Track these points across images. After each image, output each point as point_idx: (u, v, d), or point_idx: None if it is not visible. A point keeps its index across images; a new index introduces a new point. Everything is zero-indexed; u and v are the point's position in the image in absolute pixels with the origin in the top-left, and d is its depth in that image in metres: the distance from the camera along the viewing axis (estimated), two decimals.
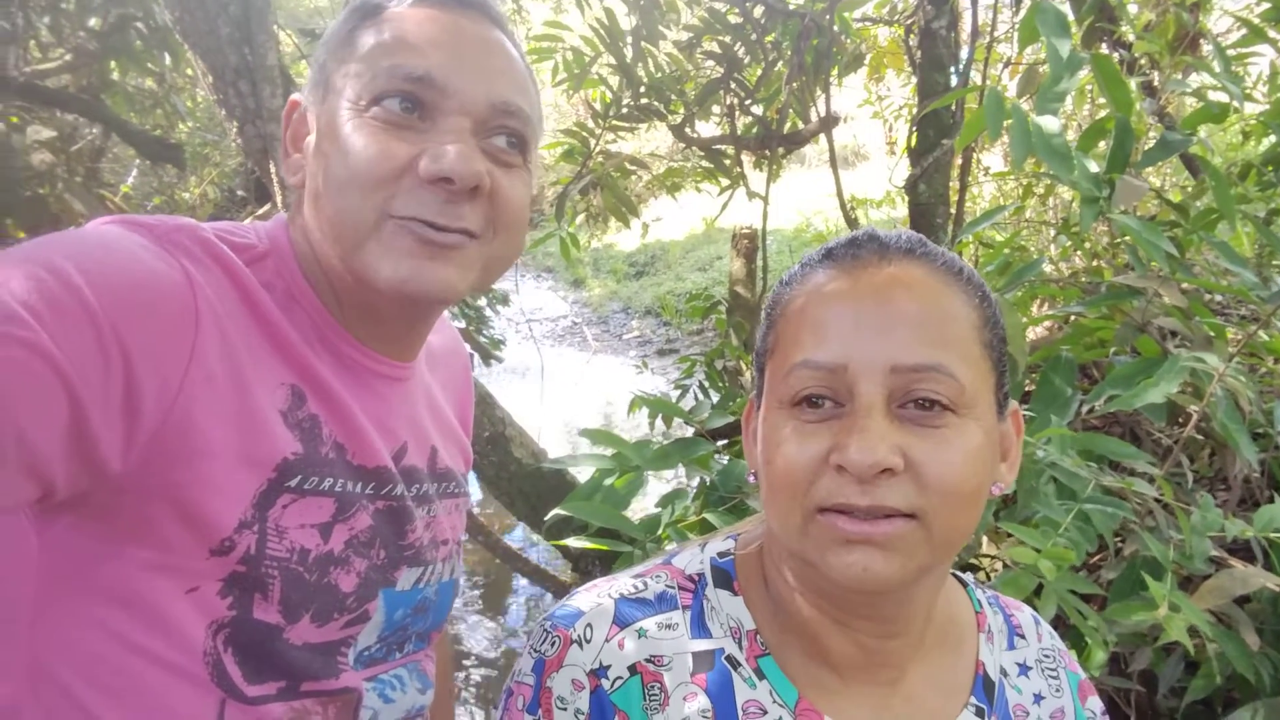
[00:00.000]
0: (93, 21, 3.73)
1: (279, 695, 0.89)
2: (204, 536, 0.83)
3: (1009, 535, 2.03)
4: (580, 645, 0.83)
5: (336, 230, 0.92)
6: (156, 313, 0.80)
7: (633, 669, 0.82)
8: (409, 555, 1.02)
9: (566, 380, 9.35)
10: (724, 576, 0.89)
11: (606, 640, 0.83)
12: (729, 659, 0.84)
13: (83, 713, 0.83)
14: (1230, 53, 2.63)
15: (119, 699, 0.83)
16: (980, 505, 0.77)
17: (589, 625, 0.84)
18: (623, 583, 0.89)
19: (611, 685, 0.81)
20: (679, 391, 3.57)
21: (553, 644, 0.84)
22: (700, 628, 0.85)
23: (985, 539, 2.12)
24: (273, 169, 2.15)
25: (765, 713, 0.81)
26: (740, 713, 0.81)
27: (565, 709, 0.81)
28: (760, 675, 0.83)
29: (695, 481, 2.31)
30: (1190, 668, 1.86)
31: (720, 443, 2.50)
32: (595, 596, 0.87)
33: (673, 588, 0.88)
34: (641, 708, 0.81)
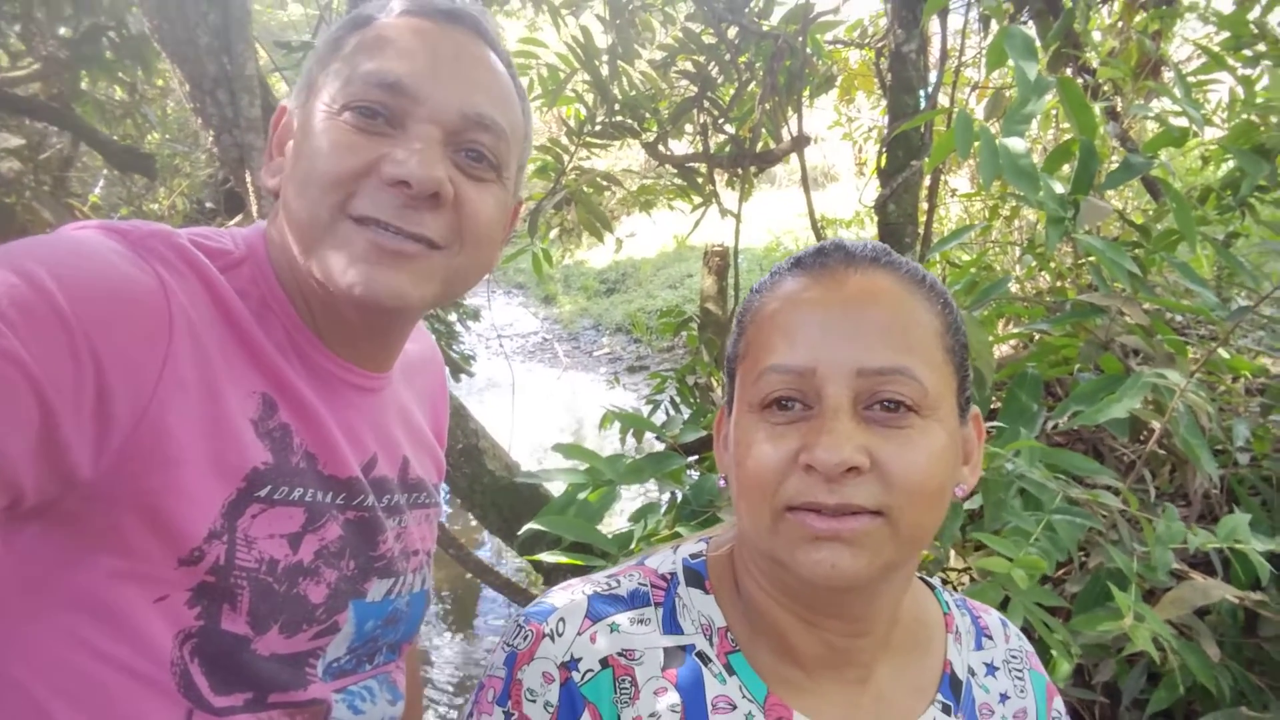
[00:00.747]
0: (63, 30, 3.70)
1: (246, 707, 0.89)
2: (173, 545, 0.82)
3: (977, 549, 2.06)
4: (552, 639, 0.84)
5: (297, 228, 0.92)
6: (130, 319, 0.79)
7: (604, 662, 0.83)
8: (380, 566, 1.02)
9: (537, 396, 9.33)
10: (695, 576, 0.91)
11: (578, 634, 0.84)
12: (700, 655, 0.85)
13: None
14: (1191, 80, 2.70)
15: (85, 707, 0.82)
16: (944, 504, 0.80)
17: (561, 620, 0.86)
18: (596, 581, 0.91)
19: (582, 678, 0.82)
20: (651, 407, 3.59)
21: (525, 638, 0.86)
22: (672, 624, 0.87)
23: (953, 553, 2.15)
24: (249, 178, 2.14)
25: (735, 708, 0.83)
26: (710, 708, 0.82)
27: (535, 701, 0.82)
28: (730, 671, 0.85)
29: (667, 496, 2.32)
30: (1152, 679, 1.90)
31: (692, 458, 2.51)
32: (569, 593, 0.89)
33: (645, 586, 0.90)
34: (611, 700, 0.82)
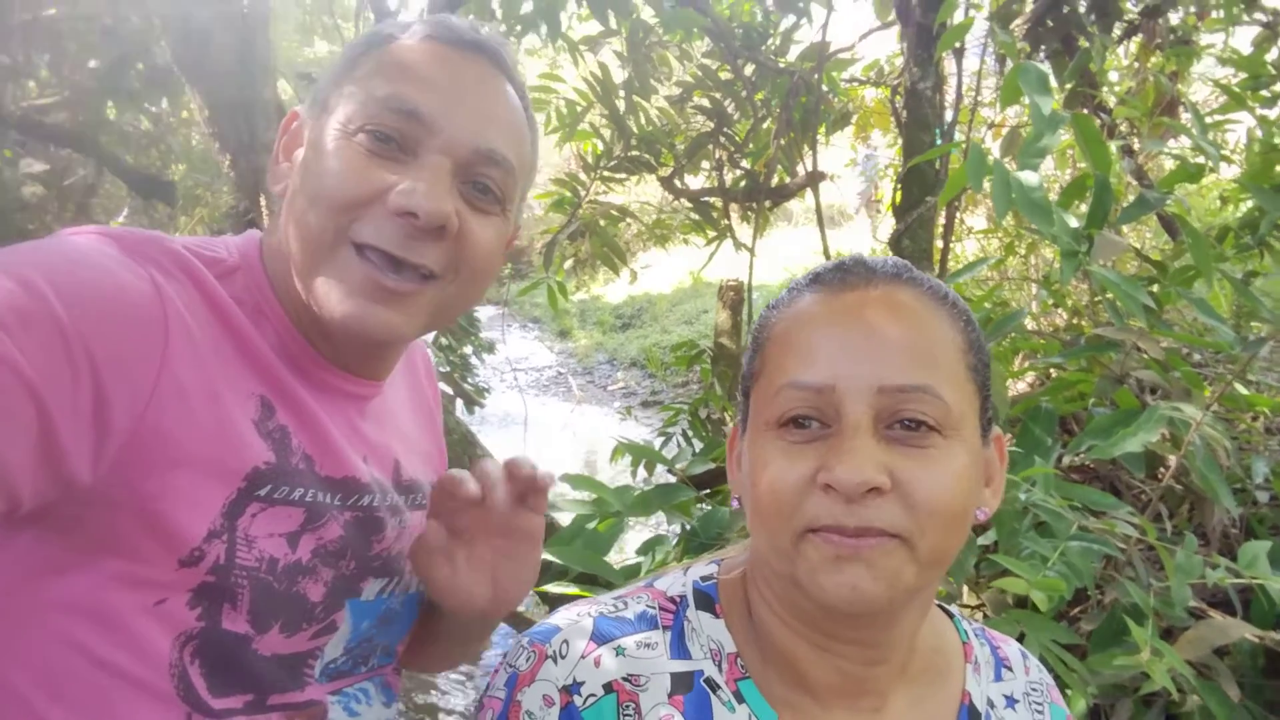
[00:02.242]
0: (92, 62, 3.77)
1: (245, 709, 0.88)
2: (173, 547, 0.82)
3: (989, 586, 2.03)
4: (555, 660, 0.82)
5: (299, 244, 0.92)
6: (125, 323, 0.79)
7: (608, 687, 0.81)
8: (376, 566, 1.01)
9: (551, 429, 9.31)
10: (706, 599, 0.89)
11: (582, 657, 0.82)
12: (708, 681, 0.83)
13: None
14: (1208, 120, 2.71)
15: (82, 713, 0.81)
16: (965, 528, 0.78)
17: (565, 641, 0.84)
18: (603, 602, 0.89)
19: (584, 702, 0.80)
20: (662, 440, 3.57)
21: (527, 659, 0.84)
22: (680, 648, 0.85)
23: (965, 589, 2.11)
24: (264, 202, 2.17)
25: None
26: None
27: None
28: (739, 699, 0.82)
29: (676, 529, 2.29)
30: None
31: (704, 492, 2.49)
32: (574, 614, 0.87)
33: (653, 608, 0.88)
34: None
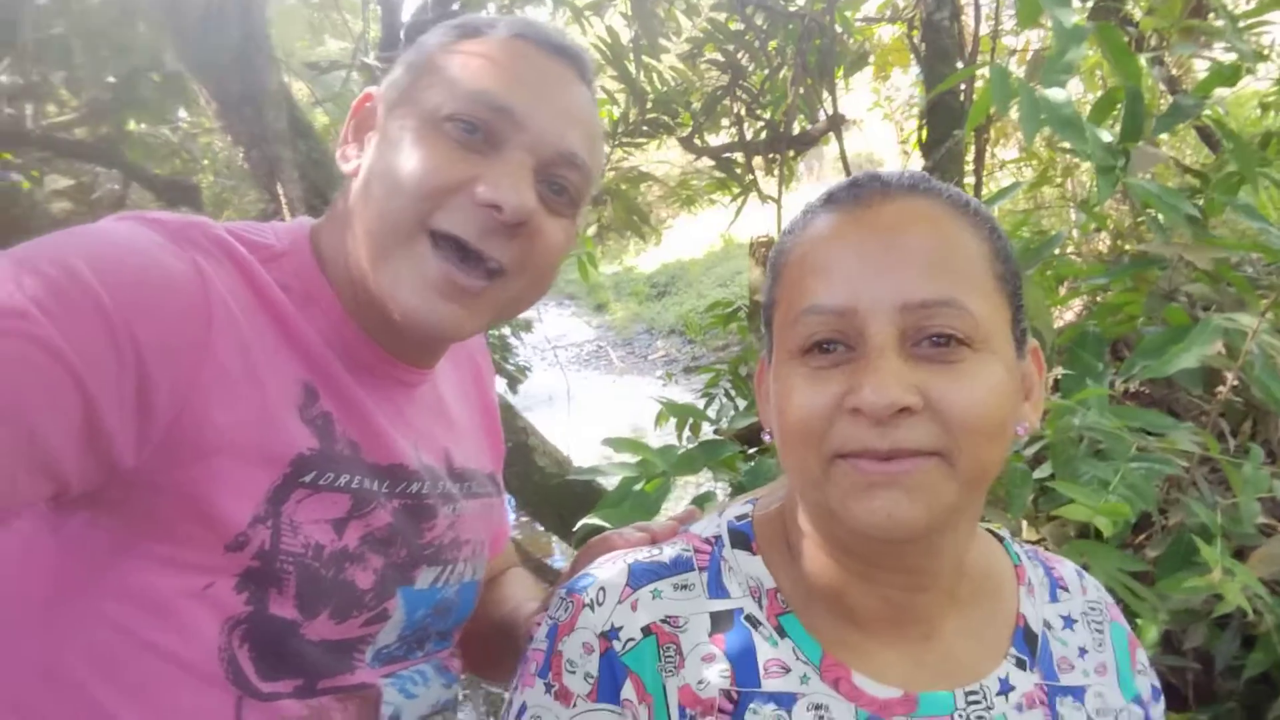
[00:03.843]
0: (110, 78, 3.80)
1: (295, 693, 0.88)
2: (218, 532, 0.83)
3: (1049, 520, 1.98)
4: (592, 608, 0.82)
5: (373, 229, 0.92)
6: (169, 308, 0.80)
7: (646, 630, 0.80)
8: (428, 554, 1.01)
9: (594, 403, 9.33)
10: (742, 538, 0.87)
11: (619, 602, 0.81)
12: (749, 618, 0.81)
13: (99, 711, 0.82)
14: (1240, 24, 2.59)
15: (135, 697, 0.82)
16: (1006, 441, 0.75)
17: (602, 589, 0.83)
18: (639, 550, 0.88)
19: (624, 647, 0.79)
20: (705, 400, 3.55)
21: (566, 609, 0.83)
22: (718, 588, 0.83)
23: (1025, 524, 2.07)
24: (280, 189, 2.17)
25: (788, 670, 0.79)
26: (762, 671, 0.79)
27: (575, 672, 0.79)
28: (782, 633, 0.81)
29: (724, 486, 2.28)
30: (1246, 644, 1.80)
31: (751, 449, 2.47)
32: (611, 564, 0.86)
33: (689, 551, 0.87)
34: (656, 669, 0.78)
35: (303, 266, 0.96)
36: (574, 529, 2.14)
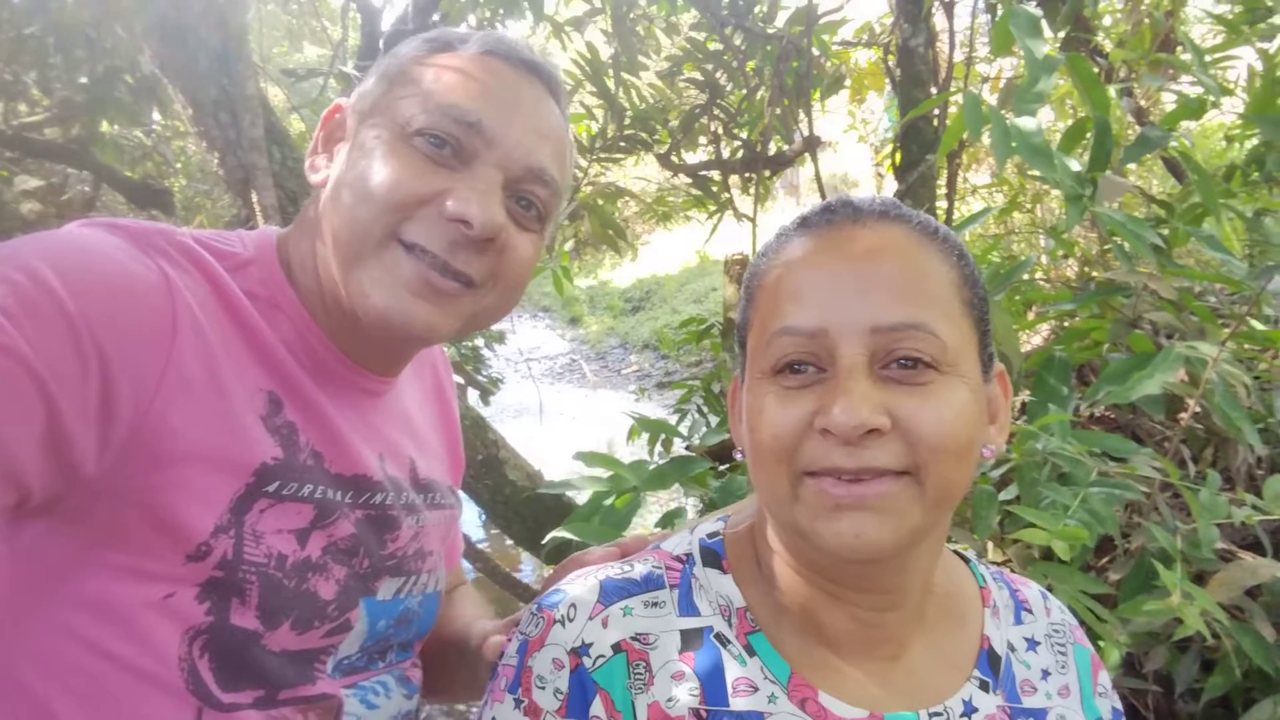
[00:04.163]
0: (83, 79, 3.76)
1: (256, 704, 0.88)
2: (180, 541, 0.82)
3: (1013, 541, 2.01)
4: (563, 624, 0.82)
5: (342, 237, 0.92)
6: (133, 315, 0.79)
7: (616, 647, 0.80)
8: (390, 565, 1.01)
9: (566, 416, 9.31)
10: (712, 555, 0.88)
11: (590, 619, 0.82)
12: (718, 636, 0.82)
13: None
14: (1207, 58, 2.65)
15: (93, 707, 0.81)
16: (972, 462, 0.76)
17: (573, 605, 0.83)
18: (610, 566, 0.88)
19: (593, 663, 0.79)
20: (678, 416, 3.55)
21: (536, 625, 0.83)
22: (688, 606, 0.84)
23: (990, 545, 2.09)
24: (254, 196, 2.16)
25: (756, 690, 0.79)
26: (731, 690, 0.79)
27: (544, 688, 0.80)
28: (750, 652, 0.81)
29: (694, 502, 2.28)
30: (1206, 667, 1.83)
31: (722, 466, 2.47)
32: (582, 580, 0.86)
33: (659, 568, 0.87)
34: (625, 686, 0.79)
35: (269, 275, 0.96)
36: (543, 542, 2.14)
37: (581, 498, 2.15)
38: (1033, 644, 0.90)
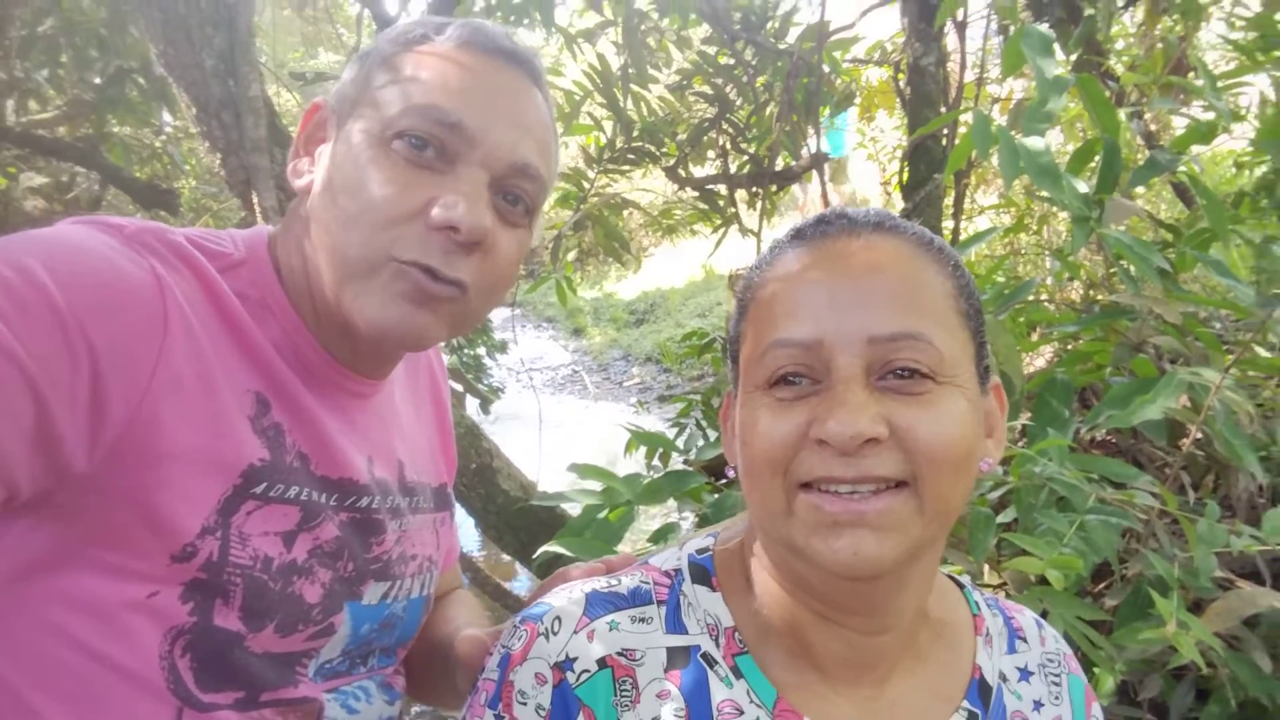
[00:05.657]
0: (97, 79, 3.78)
1: (235, 705, 0.87)
2: (166, 541, 0.81)
3: (1009, 565, 1.98)
4: (546, 638, 0.80)
5: (335, 258, 0.91)
6: (124, 313, 0.79)
7: (602, 663, 0.78)
8: (375, 569, 1.00)
9: (567, 427, 9.29)
10: (702, 572, 0.86)
11: (574, 633, 0.80)
12: (705, 656, 0.80)
13: (33, 717, 0.80)
14: (1219, 85, 2.64)
15: (73, 705, 0.81)
16: (971, 475, 0.75)
17: (557, 618, 0.81)
18: (597, 580, 0.86)
19: (577, 679, 0.78)
20: (676, 429, 3.54)
21: (519, 638, 0.81)
22: (676, 623, 0.82)
23: (987, 568, 2.07)
24: (255, 200, 2.15)
25: (742, 713, 0.78)
26: (715, 712, 0.77)
27: (526, 704, 0.78)
28: (737, 674, 0.80)
29: (689, 516, 2.26)
30: (1201, 696, 1.80)
31: (720, 481, 2.46)
32: (567, 593, 0.85)
33: (648, 583, 0.85)
34: (611, 703, 0.77)
35: (260, 275, 0.95)
36: (534, 556, 2.12)
37: (576, 510, 2.14)
38: (1025, 674, 0.89)
